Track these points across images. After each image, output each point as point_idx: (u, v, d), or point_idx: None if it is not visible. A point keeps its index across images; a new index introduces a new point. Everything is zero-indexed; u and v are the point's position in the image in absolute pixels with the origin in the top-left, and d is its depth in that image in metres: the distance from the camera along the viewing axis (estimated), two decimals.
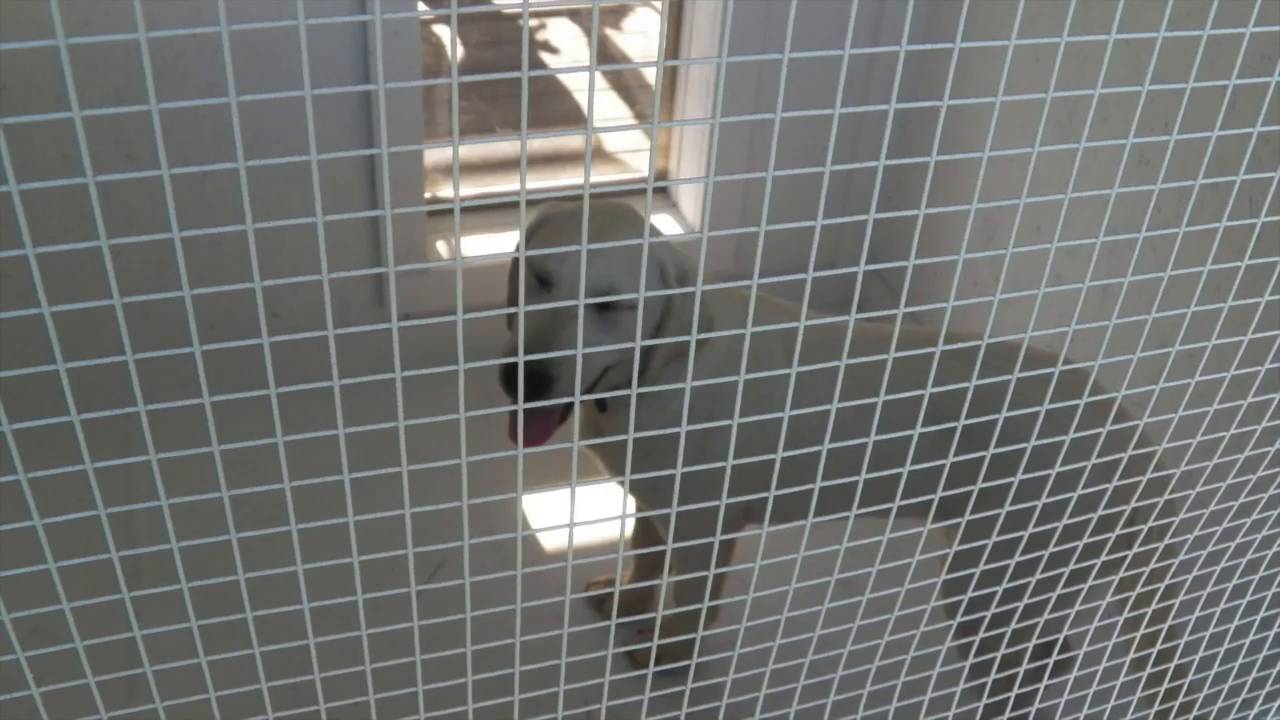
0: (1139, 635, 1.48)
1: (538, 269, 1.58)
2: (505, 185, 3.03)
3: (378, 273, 0.77)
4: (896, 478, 1.01)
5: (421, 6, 2.79)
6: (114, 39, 0.60)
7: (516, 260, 1.72)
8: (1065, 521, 1.13)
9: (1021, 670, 1.36)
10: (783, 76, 0.72)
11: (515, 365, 1.41)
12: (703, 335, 0.88)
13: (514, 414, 1.61)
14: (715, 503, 0.98)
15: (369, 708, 0.98)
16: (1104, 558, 1.22)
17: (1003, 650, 1.28)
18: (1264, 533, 1.28)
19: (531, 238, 1.67)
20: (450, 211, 2.96)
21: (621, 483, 1.68)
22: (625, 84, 3.59)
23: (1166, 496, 1.25)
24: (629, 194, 3.02)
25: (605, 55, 3.69)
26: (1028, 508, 1.09)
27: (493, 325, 1.16)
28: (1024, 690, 1.39)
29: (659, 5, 3.51)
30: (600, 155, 3.27)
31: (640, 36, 3.81)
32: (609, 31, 3.80)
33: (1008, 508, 1.08)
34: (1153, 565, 1.33)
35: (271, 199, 2.44)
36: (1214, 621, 1.36)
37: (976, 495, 1.06)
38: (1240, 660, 1.43)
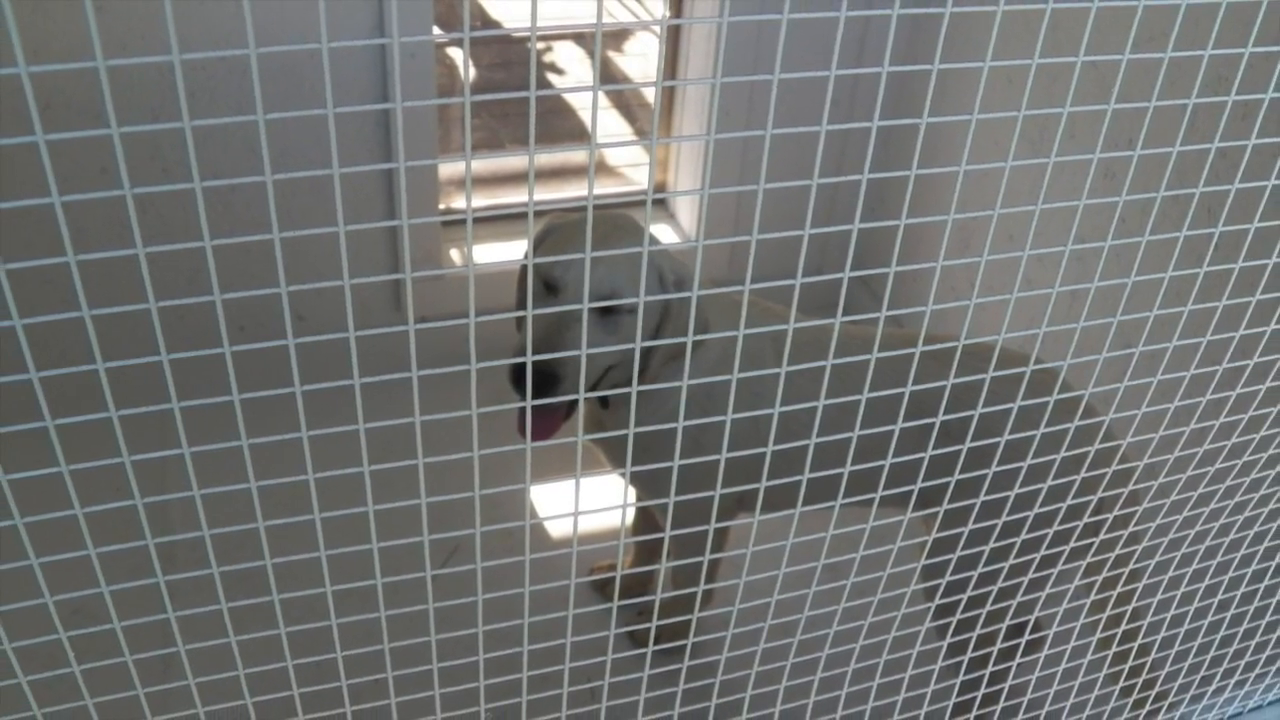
0: (1105, 616, 1.48)
1: (544, 275, 1.58)
2: (514, 197, 3.03)
3: (396, 278, 0.77)
4: (879, 470, 1.01)
5: (436, 30, 2.79)
6: (149, 60, 0.60)
7: (525, 267, 1.72)
8: (1036, 511, 1.13)
9: (995, 649, 1.36)
10: (773, 96, 0.72)
11: (524, 365, 1.41)
12: (699, 337, 0.88)
13: (522, 410, 1.61)
14: (710, 493, 0.98)
15: (387, 684, 0.99)
16: (1072, 544, 1.23)
17: (978, 631, 1.28)
18: (1221, 520, 1.28)
19: (539, 246, 1.67)
20: (463, 221, 2.96)
21: (622, 475, 1.68)
22: (626, 103, 3.59)
23: (1130, 487, 1.25)
24: (629, 205, 3.02)
25: (607, 76, 3.69)
26: (1001, 498, 1.09)
27: (502, 327, 1.16)
28: (998, 668, 1.39)
29: (658, 29, 3.51)
30: (603, 169, 3.27)
31: (640, 58, 3.81)
32: (611, 54, 3.80)
33: (982, 498, 1.08)
34: (1118, 551, 1.33)
35: (296, 209, 2.45)
36: (1175, 604, 1.36)
37: (953, 486, 1.06)
38: (1200, 640, 1.43)
